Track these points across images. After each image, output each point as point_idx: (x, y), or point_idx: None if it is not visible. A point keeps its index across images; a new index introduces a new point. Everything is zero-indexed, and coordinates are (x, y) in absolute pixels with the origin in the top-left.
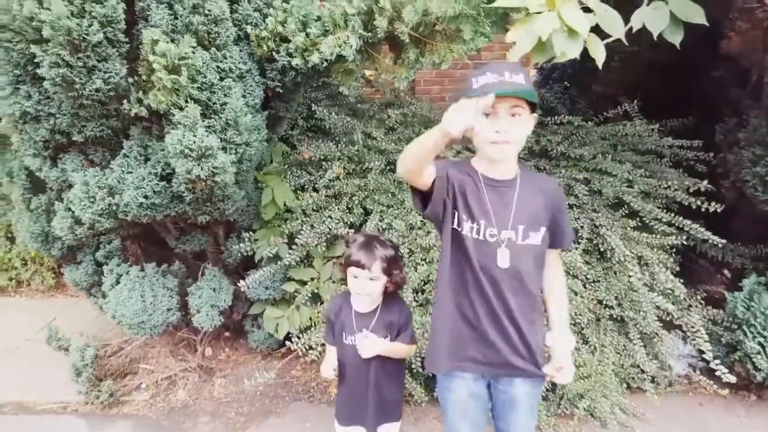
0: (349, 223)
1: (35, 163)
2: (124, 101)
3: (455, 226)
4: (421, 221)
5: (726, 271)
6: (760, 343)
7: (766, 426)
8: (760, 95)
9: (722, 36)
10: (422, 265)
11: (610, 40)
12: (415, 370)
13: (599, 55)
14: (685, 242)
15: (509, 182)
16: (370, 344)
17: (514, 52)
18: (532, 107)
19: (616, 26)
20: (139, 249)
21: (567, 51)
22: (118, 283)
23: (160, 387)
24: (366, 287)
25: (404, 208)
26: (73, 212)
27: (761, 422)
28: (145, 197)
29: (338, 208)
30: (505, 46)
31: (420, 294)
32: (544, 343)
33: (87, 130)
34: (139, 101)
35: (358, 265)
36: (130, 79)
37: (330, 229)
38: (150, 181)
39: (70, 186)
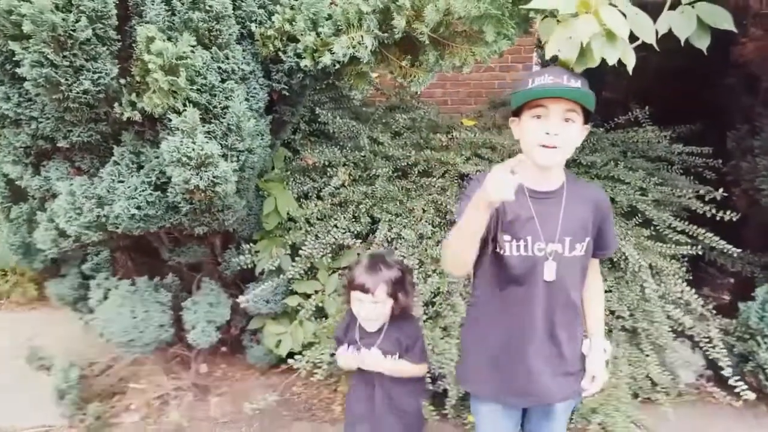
0: (355, 232)
1: (15, 170)
2: (115, 104)
3: (497, 250)
4: (432, 230)
5: (731, 280)
6: None
7: None
8: None
9: (734, 42)
10: (433, 276)
11: (636, 44)
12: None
13: (629, 60)
14: (690, 251)
15: (555, 192)
16: (374, 359)
17: (563, 61)
18: (587, 117)
19: (647, 30)
20: (130, 261)
21: (606, 56)
22: (106, 298)
23: (152, 407)
24: (370, 312)
25: (413, 217)
26: (57, 224)
27: None
28: (138, 208)
29: (344, 217)
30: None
31: (430, 307)
32: (581, 350)
33: (73, 136)
34: (132, 104)
35: (362, 289)
36: (122, 80)
37: (335, 239)
38: (143, 190)
39: (54, 195)
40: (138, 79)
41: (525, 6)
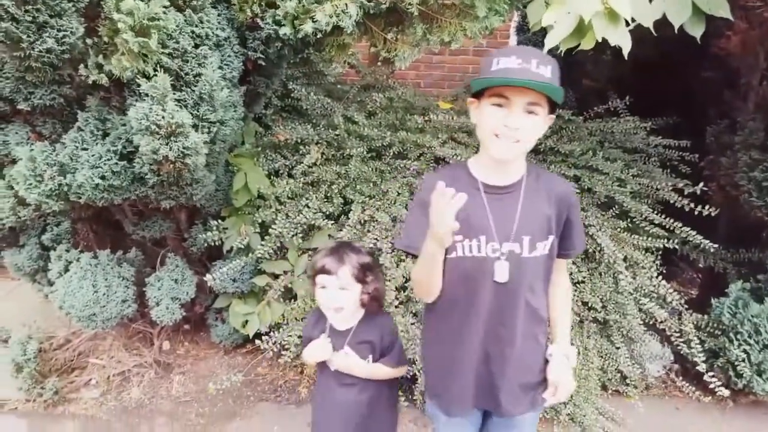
0: (327, 213)
1: None
2: (81, 66)
3: (448, 254)
4: (406, 214)
5: (699, 275)
6: (745, 351)
7: (744, 431)
8: (749, 97)
9: (714, 35)
10: (406, 261)
11: (629, 27)
12: None
13: (626, 43)
14: (667, 244)
15: (513, 186)
16: (346, 362)
17: (552, 36)
18: (552, 107)
19: (644, 14)
20: (92, 233)
21: (608, 37)
22: (67, 270)
23: (112, 384)
24: (335, 298)
25: (387, 200)
26: (15, 191)
27: (738, 427)
28: (102, 178)
29: (316, 197)
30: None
31: (402, 292)
32: (546, 355)
33: (35, 98)
34: (99, 67)
35: (324, 271)
36: (89, 41)
37: (307, 219)
38: (108, 159)
39: (14, 161)
40: (106, 39)
41: None
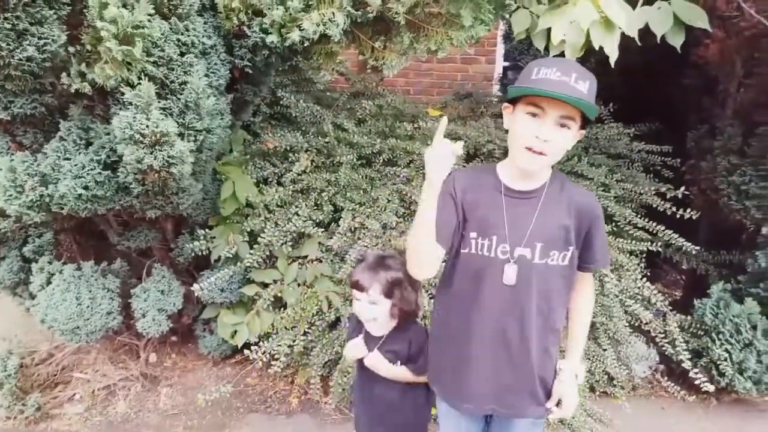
0: (317, 220)
1: None
2: (63, 74)
3: (462, 249)
4: (397, 221)
5: (683, 276)
6: (727, 350)
7: (726, 428)
8: (727, 104)
9: (693, 44)
10: None
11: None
12: None
13: (613, 52)
14: (651, 247)
15: (534, 192)
16: (373, 361)
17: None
18: (584, 122)
19: (630, 24)
20: (75, 244)
21: (604, 45)
22: (49, 283)
23: (97, 398)
24: (367, 311)
25: (377, 207)
26: None
27: (721, 424)
28: (85, 188)
29: (306, 205)
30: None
31: None
32: (556, 368)
33: (15, 107)
34: (82, 75)
35: (357, 286)
36: (71, 49)
37: (296, 227)
38: (91, 169)
39: None
40: (89, 47)
41: None
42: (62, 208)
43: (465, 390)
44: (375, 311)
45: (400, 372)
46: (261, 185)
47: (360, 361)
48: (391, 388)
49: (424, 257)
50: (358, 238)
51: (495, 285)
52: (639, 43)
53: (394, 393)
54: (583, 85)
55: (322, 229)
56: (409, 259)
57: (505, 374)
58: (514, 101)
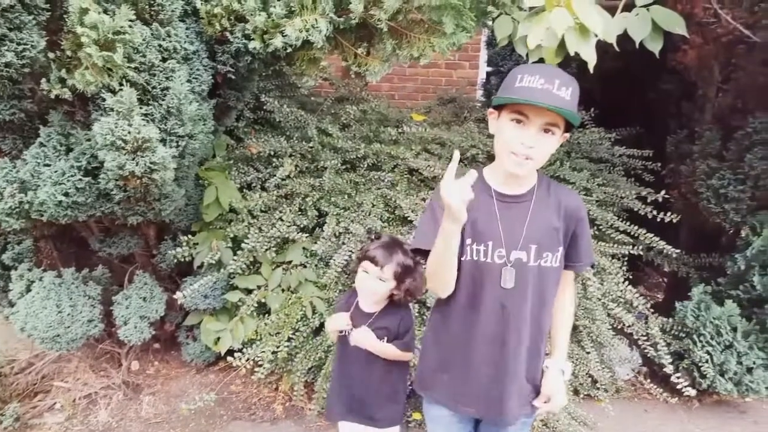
0: (301, 226)
1: None
2: (42, 80)
3: (460, 256)
4: (382, 225)
5: (665, 279)
6: (708, 352)
7: (708, 430)
8: (706, 108)
9: (672, 49)
10: None
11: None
12: None
13: (591, 58)
14: (632, 251)
15: (524, 196)
16: (363, 338)
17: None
18: (567, 126)
19: (609, 30)
20: (55, 251)
21: (580, 51)
22: (29, 290)
23: (78, 407)
24: (371, 285)
25: (362, 211)
26: None
27: (704, 426)
28: (66, 195)
29: (290, 210)
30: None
31: None
32: (542, 366)
33: None
34: (62, 81)
35: (373, 261)
36: (51, 54)
37: (280, 233)
38: (72, 176)
39: None
40: (69, 53)
41: None
42: (42, 215)
43: (464, 394)
44: (379, 287)
45: (387, 348)
46: (244, 190)
47: (342, 337)
48: (373, 362)
49: (445, 281)
50: (343, 243)
51: (493, 289)
52: (617, 49)
53: (376, 368)
54: (566, 92)
55: (307, 235)
56: (433, 281)
57: (502, 377)
58: (498, 107)
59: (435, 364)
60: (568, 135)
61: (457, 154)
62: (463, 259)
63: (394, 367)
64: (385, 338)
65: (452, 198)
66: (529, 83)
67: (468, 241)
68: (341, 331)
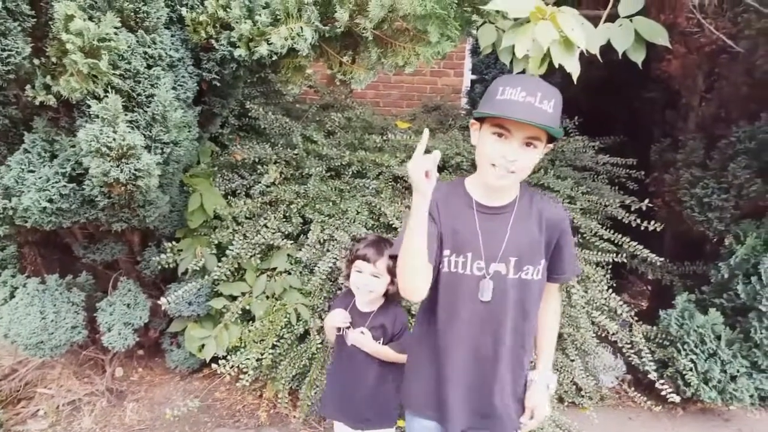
0: (286, 232)
1: None
2: (27, 86)
3: (440, 267)
4: (366, 233)
5: (649, 287)
6: (692, 360)
7: None
8: (690, 117)
9: (656, 59)
10: None
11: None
12: None
13: (575, 69)
14: (616, 259)
15: (505, 208)
16: (361, 338)
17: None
18: (550, 137)
19: (591, 41)
20: (39, 257)
21: (564, 63)
22: (12, 297)
23: (62, 414)
24: (368, 282)
25: (346, 219)
26: None
27: None
28: (50, 201)
29: (274, 217)
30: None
31: None
32: (527, 380)
33: None
34: (47, 87)
35: (365, 258)
36: (36, 61)
37: (265, 240)
38: (56, 182)
39: None
40: (54, 60)
41: (486, 6)
42: (26, 221)
43: (443, 409)
44: (374, 284)
45: (384, 350)
46: (229, 197)
47: (339, 336)
48: (370, 363)
49: (420, 282)
50: (327, 250)
51: (472, 302)
52: (600, 60)
53: (372, 369)
54: (548, 105)
55: (291, 241)
56: (403, 284)
57: (481, 391)
58: (480, 118)
59: (417, 376)
60: (551, 146)
61: (426, 132)
62: (441, 269)
63: (389, 370)
64: (381, 339)
65: (413, 170)
66: (511, 96)
67: (446, 252)
68: (339, 330)
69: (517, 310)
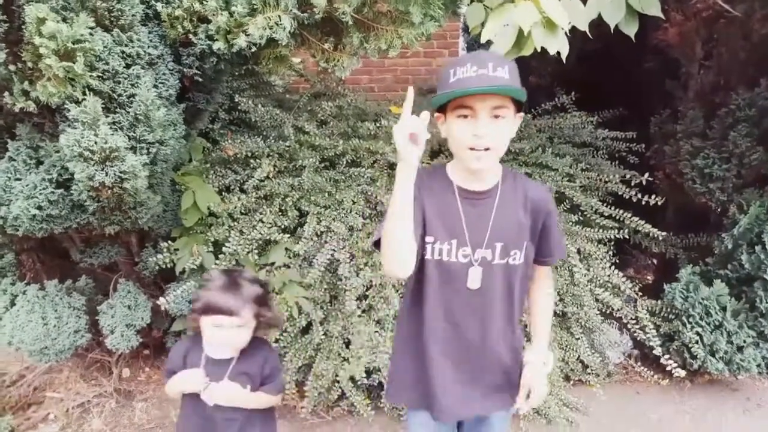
0: (282, 226)
1: None
2: (6, 93)
3: (423, 253)
4: (363, 222)
5: (654, 261)
6: (697, 333)
7: (701, 410)
8: (689, 86)
9: (653, 28)
10: (365, 269)
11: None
12: (359, 381)
13: (564, 49)
14: (618, 235)
15: (488, 192)
16: (229, 393)
17: (497, 49)
18: (518, 106)
19: (580, 17)
20: (38, 263)
21: (547, 46)
22: (13, 304)
23: (72, 416)
24: (232, 338)
25: (343, 209)
26: None
27: (696, 406)
28: (39, 208)
29: (270, 211)
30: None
31: (363, 300)
32: (523, 360)
33: None
34: (25, 93)
35: (221, 311)
36: (12, 67)
37: (262, 235)
38: (44, 188)
39: None
40: (30, 65)
41: None
42: (17, 230)
43: (434, 401)
44: (241, 337)
45: (257, 397)
46: (223, 193)
47: (191, 399)
48: (232, 423)
49: (405, 254)
50: (325, 242)
51: (460, 290)
52: (591, 37)
53: (238, 421)
54: (503, 71)
55: (288, 235)
56: (385, 258)
57: (472, 379)
58: (443, 109)
59: (404, 371)
60: (522, 114)
61: (411, 90)
62: (425, 256)
63: (257, 418)
64: (249, 386)
65: (397, 133)
66: (463, 74)
67: (429, 239)
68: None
69: (505, 295)
